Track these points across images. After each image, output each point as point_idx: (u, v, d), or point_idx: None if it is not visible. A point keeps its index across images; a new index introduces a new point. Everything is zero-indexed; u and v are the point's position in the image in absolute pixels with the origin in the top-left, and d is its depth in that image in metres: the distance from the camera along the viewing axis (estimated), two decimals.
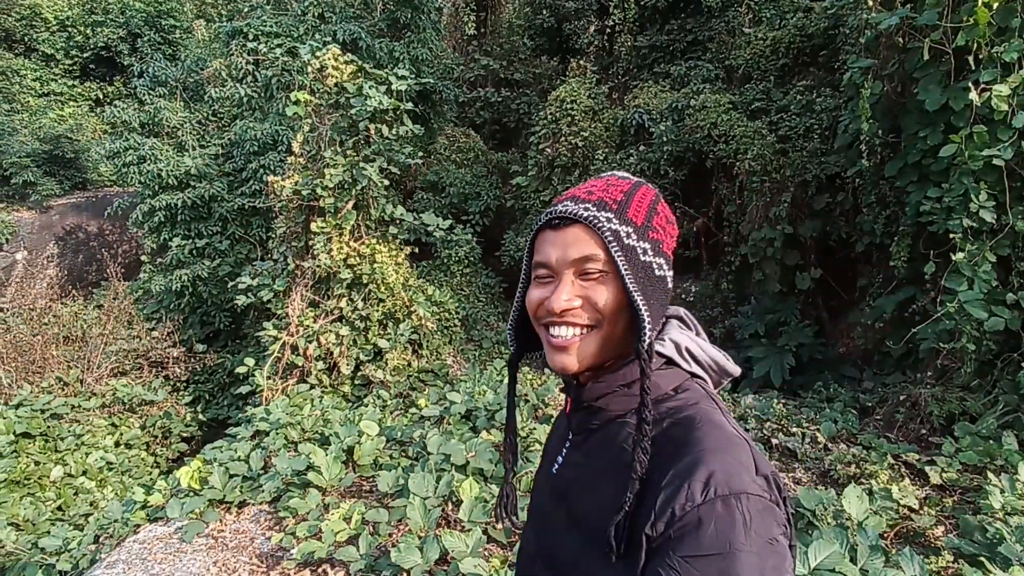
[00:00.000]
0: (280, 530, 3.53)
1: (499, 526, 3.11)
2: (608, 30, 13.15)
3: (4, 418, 6.30)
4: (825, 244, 8.46)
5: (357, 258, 7.17)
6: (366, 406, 6.09)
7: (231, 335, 10.58)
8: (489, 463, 3.79)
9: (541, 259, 0.87)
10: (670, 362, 0.88)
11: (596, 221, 0.82)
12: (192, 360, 9.32)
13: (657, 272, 0.85)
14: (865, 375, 7.29)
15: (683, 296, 9.57)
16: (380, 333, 7.29)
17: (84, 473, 6.16)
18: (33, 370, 7.54)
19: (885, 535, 3.15)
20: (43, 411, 6.71)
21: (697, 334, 0.93)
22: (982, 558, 2.78)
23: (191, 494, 4.02)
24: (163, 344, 9.03)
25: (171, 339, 9.23)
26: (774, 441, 5.03)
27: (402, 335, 7.18)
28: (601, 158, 9.84)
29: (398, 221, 7.55)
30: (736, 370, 0.94)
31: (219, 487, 3.99)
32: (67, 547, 4.11)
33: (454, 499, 3.44)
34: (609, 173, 0.93)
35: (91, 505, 5.69)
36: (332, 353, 7.11)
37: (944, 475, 4.06)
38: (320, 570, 3.05)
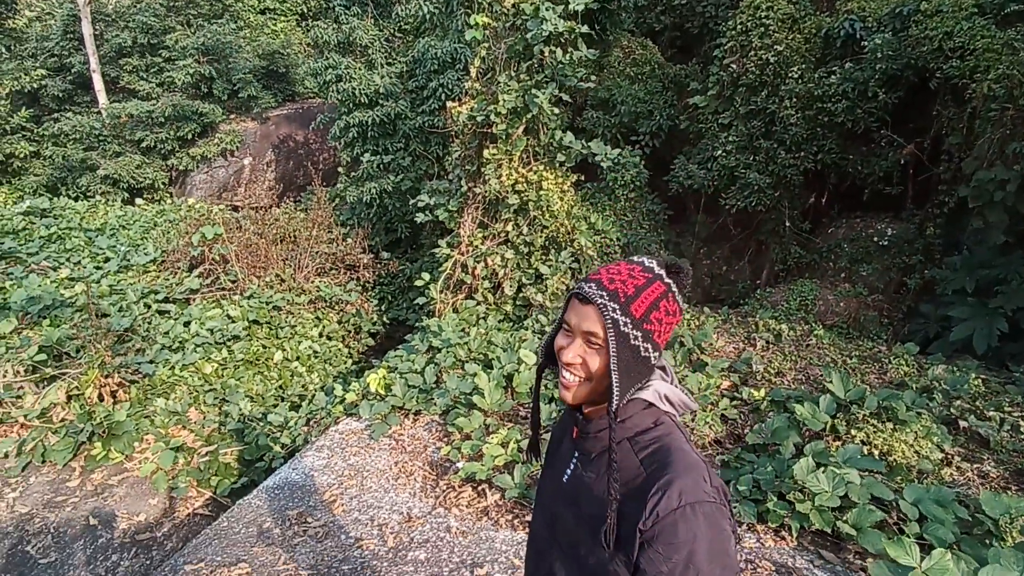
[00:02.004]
0: (448, 443, 4.07)
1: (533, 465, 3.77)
2: None
3: (240, 307, 7.75)
4: None
5: (524, 184, 7.36)
6: (526, 329, 6.50)
7: (410, 243, 11.65)
8: None
9: (567, 318, 1.17)
10: (651, 404, 1.17)
11: (604, 310, 1.09)
12: (378, 265, 10.48)
13: (643, 353, 1.11)
14: None
15: (875, 239, 8.49)
16: (542, 258, 7.56)
17: (297, 359, 7.46)
18: (259, 266, 9.01)
19: None
20: (267, 303, 8.11)
21: (671, 381, 1.22)
22: None
23: (378, 398, 4.74)
24: (356, 250, 10.24)
25: (361, 246, 10.41)
26: (962, 423, 4.53)
27: (563, 262, 7.38)
28: (795, 76, 8.73)
29: (566, 149, 7.53)
30: (695, 406, 1.25)
31: (399, 396, 4.65)
32: (287, 424, 5.13)
33: None
34: (639, 260, 1.17)
35: (302, 387, 6.93)
36: (497, 274, 7.56)
37: None
38: (480, 488, 3.51)
